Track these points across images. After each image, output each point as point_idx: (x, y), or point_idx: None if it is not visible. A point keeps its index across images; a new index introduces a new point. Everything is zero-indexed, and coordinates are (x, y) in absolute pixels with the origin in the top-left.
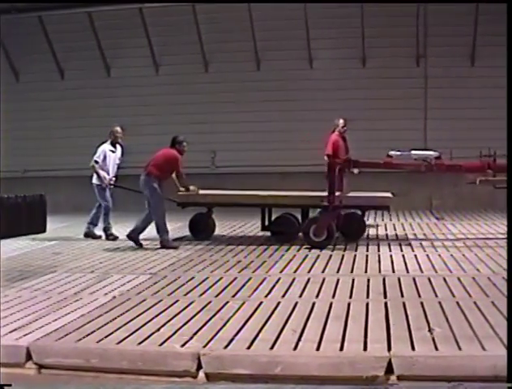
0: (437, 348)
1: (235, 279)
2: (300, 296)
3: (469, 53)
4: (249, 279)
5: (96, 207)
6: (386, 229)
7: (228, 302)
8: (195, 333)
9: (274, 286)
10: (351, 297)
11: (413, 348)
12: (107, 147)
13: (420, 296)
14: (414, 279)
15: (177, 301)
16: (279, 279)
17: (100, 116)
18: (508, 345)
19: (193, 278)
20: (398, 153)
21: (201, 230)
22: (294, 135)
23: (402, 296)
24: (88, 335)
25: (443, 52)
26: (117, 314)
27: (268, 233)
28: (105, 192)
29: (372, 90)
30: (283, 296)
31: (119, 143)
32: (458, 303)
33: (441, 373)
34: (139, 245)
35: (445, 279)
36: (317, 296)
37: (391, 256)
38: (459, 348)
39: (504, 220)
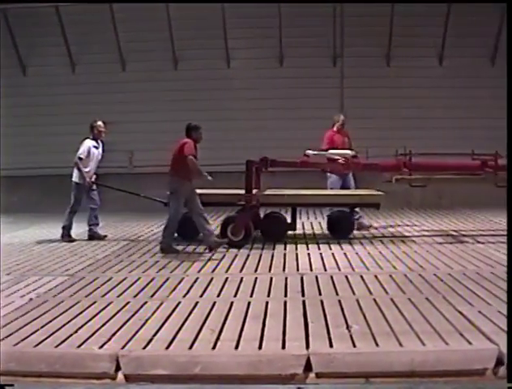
0: (354, 345)
1: (153, 279)
2: (219, 295)
3: (384, 53)
4: (168, 279)
5: (89, 208)
6: (303, 228)
7: (146, 303)
8: (113, 334)
9: (192, 286)
10: (269, 295)
11: (331, 346)
12: (91, 143)
13: (337, 293)
14: (331, 277)
15: (94, 302)
16: (197, 278)
17: (20, 116)
18: (508, 345)
19: (111, 279)
20: (315, 152)
21: (187, 230)
22: (212, 135)
23: (320, 294)
24: (5, 338)
25: (359, 52)
26: (34, 317)
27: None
28: (82, 191)
29: (289, 89)
30: (202, 295)
31: (101, 139)
32: (375, 300)
33: (359, 369)
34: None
35: (362, 277)
36: (235, 295)
37: (309, 254)
38: (377, 345)
39: (419, 218)
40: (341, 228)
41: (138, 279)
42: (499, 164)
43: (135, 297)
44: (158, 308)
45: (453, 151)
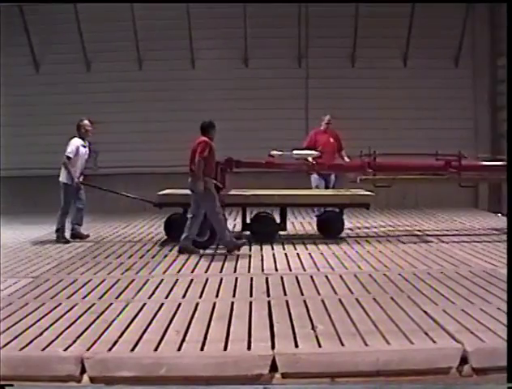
0: (320, 345)
1: (118, 280)
2: (184, 296)
3: (349, 54)
4: (133, 280)
5: (76, 208)
6: None
7: (111, 304)
8: (79, 336)
9: (157, 287)
10: (234, 296)
11: (297, 346)
12: (78, 141)
13: (302, 294)
14: (297, 278)
15: (59, 304)
16: (162, 280)
17: None
18: (508, 345)
19: (76, 280)
20: (280, 153)
21: (176, 231)
22: (177, 136)
23: (285, 294)
24: None
25: (324, 53)
26: None
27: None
28: (72, 192)
29: (254, 90)
30: (167, 297)
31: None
32: (340, 300)
33: (324, 369)
34: (197, 252)
35: (327, 277)
36: (200, 296)
37: (274, 255)
38: (342, 345)
39: (384, 218)
40: (331, 229)
41: (104, 280)
42: (462, 164)
43: (100, 298)
44: (123, 310)
45: (417, 152)
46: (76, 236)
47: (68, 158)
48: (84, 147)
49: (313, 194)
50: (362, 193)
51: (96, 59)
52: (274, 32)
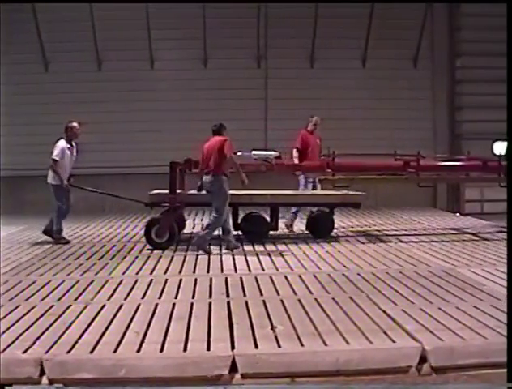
0: (279, 346)
1: (77, 282)
2: (143, 297)
3: (308, 54)
4: (92, 281)
5: (56, 210)
6: None
7: (70, 306)
8: (37, 338)
9: (116, 288)
10: (193, 297)
11: (256, 346)
12: (65, 144)
13: (262, 294)
14: (256, 278)
15: (18, 306)
16: (121, 281)
17: None
18: (508, 345)
19: (34, 282)
20: (239, 154)
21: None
22: (136, 136)
23: (244, 295)
24: None
25: (283, 53)
26: None
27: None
28: (63, 192)
29: (213, 91)
30: (126, 298)
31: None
32: (299, 300)
33: (284, 369)
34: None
35: (286, 277)
36: (159, 297)
37: (233, 255)
38: (302, 345)
39: (342, 218)
40: (321, 228)
41: (62, 282)
42: (421, 164)
43: (59, 300)
44: (82, 311)
45: (376, 152)
46: (48, 233)
47: (55, 161)
48: (70, 149)
49: (305, 194)
50: (354, 192)
51: (54, 59)
52: (233, 32)
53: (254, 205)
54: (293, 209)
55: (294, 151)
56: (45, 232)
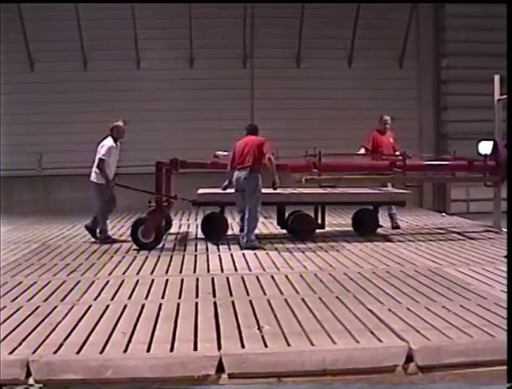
0: (266, 345)
1: (64, 282)
2: (130, 297)
3: (294, 54)
4: (78, 282)
5: (99, 210)
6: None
7: (56, 307)
8: (24, 339)
9: (103, 289)
10: (180, 297)
11: (243, 346)
12: (112, 143)
13: (248, 294)
14: (242, 278)
15: (4, 307)
16: (108, 281)
17: None
18: (508, 345)
19: (20, 283)
20: (225, 153)
21: (214, 230)
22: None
23: (231, 295)
24: None
25: (269, 53)
26: None
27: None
28: (106, 191)
29: (200, 90)
30: (113, 298)
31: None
32: (286, 300)
33: (271, 369)
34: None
35: (273, 277)
36: (146, 297)
37: (220, 255)
38: (288, 344)
39: (329, 217)
40: (367, 226)
41: (49, 282)
42: (407, 164)
43: (45, 301)
44: (69, 312)
45: (362, 152)
46: (90, 231)
47: (102, 160)
48: (115, 148)
49: (351, 193)
50: (399, 191)
51: (40, 59)
52: (219, 32)
53: (302, 204)
54: None
55: (362, 149)
56: (87, 228)
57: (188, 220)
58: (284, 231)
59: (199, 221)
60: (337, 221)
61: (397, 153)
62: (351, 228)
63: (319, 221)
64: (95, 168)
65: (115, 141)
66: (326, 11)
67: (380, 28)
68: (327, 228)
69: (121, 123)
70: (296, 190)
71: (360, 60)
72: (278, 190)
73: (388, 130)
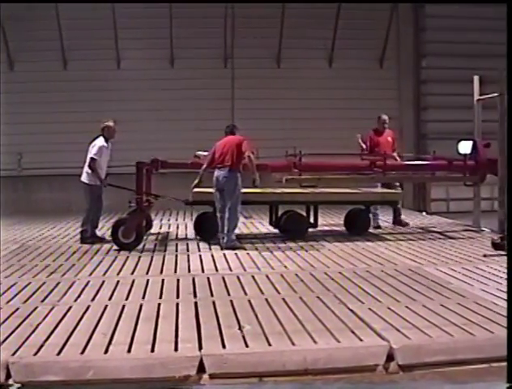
0: (247, 345)
1: (43, 283)
2: (110, 298)
3: (275, 54)
4: (58, 283)
5: (87, 209)
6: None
7: (36, 308)
8: (3, 341)
9: (83, 289)
10: (161, 297)
11: (224, 347)
12: (103, 142)
13: (229, 294)
14: (223, 278)
15: None
16: (88, 282)
17: None
18: (508, 345)
19: (0, 284)
20: (206, 153)
21: (206, 230)
22: None
23: (211, 295)
24: None
25: (250, 53)
26: None
27: None
28: (97, 191)
29: (180, 90)
30: (93, 299)
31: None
32: (267, 300)
33: (252, 369)
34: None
35: (253, 277)
36: (126, 298)
37: (200, 256)
38: (269, 344)
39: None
40: (359, 226)
41: (29, 283)
42: (387, 163)
43: (25, 302)
44: (49, 313)
45: (343, 152)
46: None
47: (94, 160)
48: (107, 148)
49: (345, 192)
50: (392, 191)
51: (19, 58)
52: (200, 32)
53: (295, 204)
54: None
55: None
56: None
57: (169, 220)
58: (266, 231)
59: (187, 221)
60: (326, 221)
61: (394, 154)
62: (337, 228)
63: (312, 220)
64: (86, 169)
65: (106, 141)
66: (307, 11)
67: (360, 28)
68: (313, 229)
69: (111, 123)
70: (290, 189)
71: (341, 60)
72: (270, 190)
73: (387, 129)
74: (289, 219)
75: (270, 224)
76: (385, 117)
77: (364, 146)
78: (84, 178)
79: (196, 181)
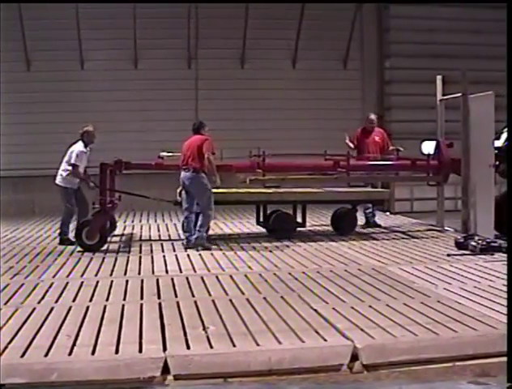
0: (211, 346)
1: (7, 285)
2: (74, 300)
3: (239, 55)
4: (22, 285)
5: (64, 212)
6: (158, 230)
7: (0, 310)
8: None
9: (47, 291)
10: (125, 299)
11: (188, 348)
12: (82, 148)
13: (193, 295)
14: (187, 279)
15: None
16: (52, 284)
17: None
18: (508, 345)
19: None
20: (169, 154)
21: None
22: (65, 137)
23: (176, 296)
24: None
25: (214, 54)
26: None
27: None
28: (73, 195)
29: (144, 91)
30: (57, 301)
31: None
32: (231, 300)
33: (217, 370)
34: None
35: (217, 278)
36: (90, 299)
37: (164, 257)
38: (234, 345)
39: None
40: (346, 225)
41: None
42: (351, 164)
43: None
44: (12, 315)
45: (306, 152)
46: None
47: (76, 166)
48: (85, 153)
49: (332, 191)
50: (379, 190)
51: None
52: (163, 32)
53: (284, 203)
54: None
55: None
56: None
57: (133, 221)
58: (230, 231)
59: (151, 222)
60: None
61: (391, 148)
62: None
63: (300, 220)
64: (61, 171)
65: (85, 146)
66: (271, 12)
67: (324, 29)
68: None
69: (91, 128)
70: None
71: (305, 61)
72: (258, 190)
73: (376, 128)
74: (277, 218)
75: (258, 223)
76: (372, 116)
77: (351, 145)
78: (59, 181)
79: (180, 188)
